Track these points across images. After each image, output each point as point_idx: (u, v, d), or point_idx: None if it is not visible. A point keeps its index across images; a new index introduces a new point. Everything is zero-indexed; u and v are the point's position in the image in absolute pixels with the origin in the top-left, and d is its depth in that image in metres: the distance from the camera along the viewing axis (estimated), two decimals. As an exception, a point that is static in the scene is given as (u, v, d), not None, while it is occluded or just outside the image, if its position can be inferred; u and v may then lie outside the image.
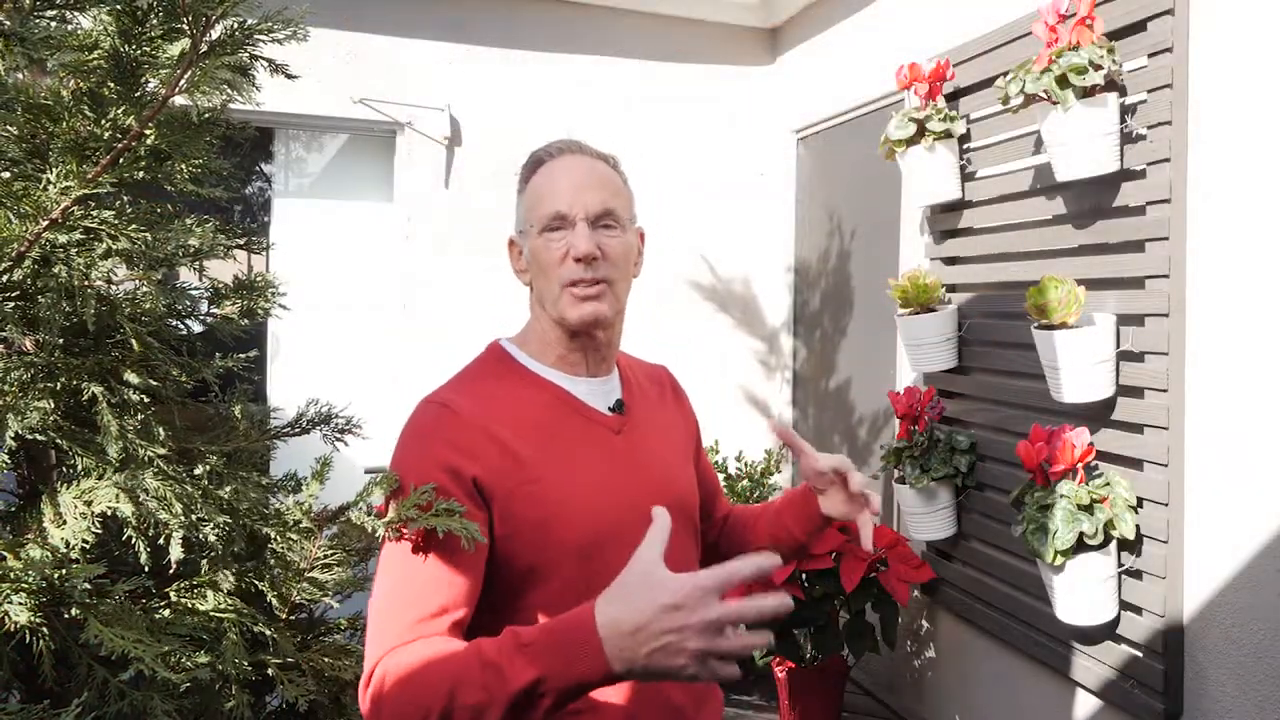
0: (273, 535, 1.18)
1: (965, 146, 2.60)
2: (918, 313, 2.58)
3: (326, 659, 1.28)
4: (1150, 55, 1.99)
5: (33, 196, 1.02)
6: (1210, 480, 1.91)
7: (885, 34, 3.15)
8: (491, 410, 1.09)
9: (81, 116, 1.06)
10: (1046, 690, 2.36)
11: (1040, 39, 2.10)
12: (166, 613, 1.11)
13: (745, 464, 3.56)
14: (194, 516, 1.08)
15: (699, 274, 3.90)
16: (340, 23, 3.33)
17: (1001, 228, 2.50)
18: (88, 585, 0.99)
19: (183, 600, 1.15)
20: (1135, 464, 2.06)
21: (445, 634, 0.97)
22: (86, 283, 1.08)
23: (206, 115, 1.26)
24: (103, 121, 1.06)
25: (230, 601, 1.17)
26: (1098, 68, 1.97)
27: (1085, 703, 2.23)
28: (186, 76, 1.10)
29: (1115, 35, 2.07)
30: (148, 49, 1.09)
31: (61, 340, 1.13)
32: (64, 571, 0.97)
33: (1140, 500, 2.03)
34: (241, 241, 1.39)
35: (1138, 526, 2.00)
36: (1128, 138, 2.04)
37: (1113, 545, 2.01)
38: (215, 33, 1.09)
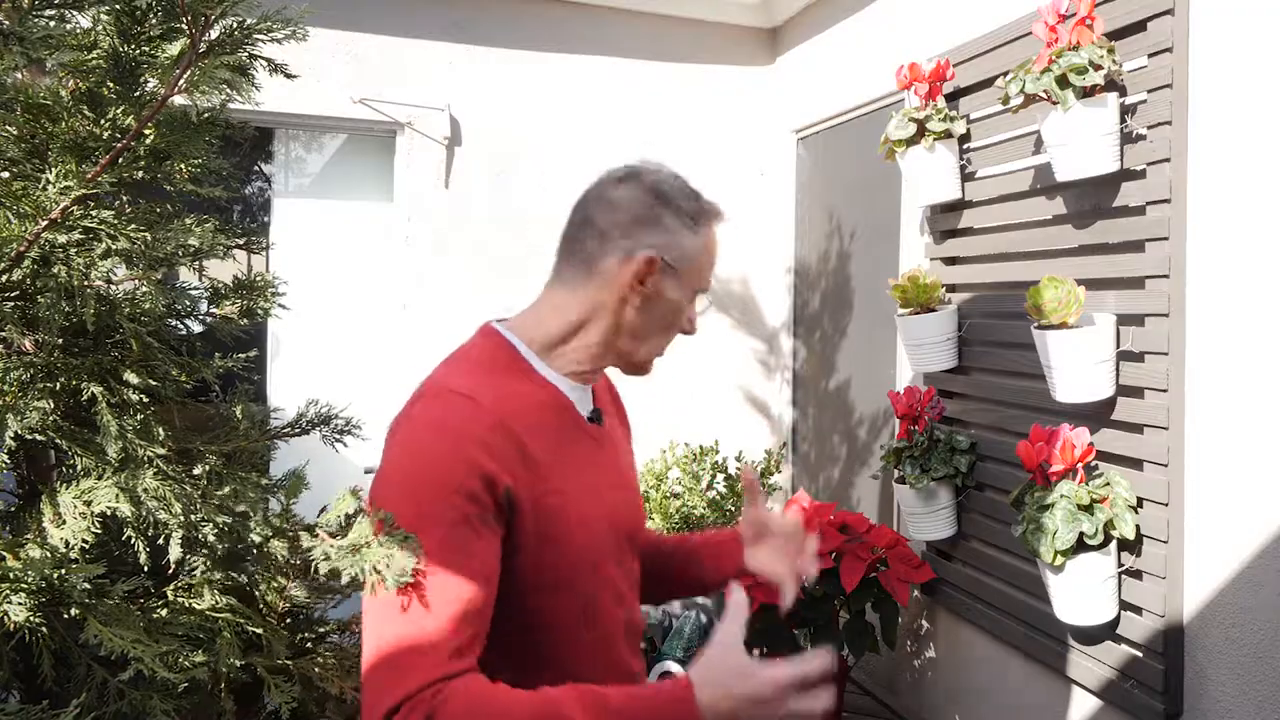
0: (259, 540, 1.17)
1: (965, 146, 2.60)
2: (918, 313, 2.58)
3: (316, 667, 1.27)
4: (1150, 55, 1.99)
5: (32, 196, 1.02)
6: (1210, 480, 1.91)
7: (885, 34, 3.15)
8: (510, 409, 1.04)
9: (81, 116, 1.06)
10: (1046, 690, 2.35)
11: (1040, 39, 2.10)
12: (164, 612, 1.11)
13: (745, 464, 3.55)
14: (194, 517, 1.08)
15: (699, 274, 3.89)
16: (340, 23, 3.32)
17: (1001, 228, 2.50)
18: (87, 585, 0.99)
19: (179, 599, 1.15)
20: (1135, 464, 2.06)
21: (476, 668, 0.93)
22: (86, 283, 1.08)
23: (206, 115, 1.26)
24: (102, 121, 1.07)
25: (226, 600, 1.17)
26: (1098, 68, 1.97)
27: (1085, 703, 2.23)
28: (186, 76, 1.10)
29: (1115, 35, 2.07)
30: (147, 48, 1.09)
31: (61, 340, 1.13)
32: (63, 571, 0.97)
33: (1140, 500, 2.02)
34: (241, 241, 1.39)
35: (1138, 526, 2.00)
36: (1128, 138, 2.04)
37: (1113, 545, 2.01)
38: (214, 32, 1.08)
